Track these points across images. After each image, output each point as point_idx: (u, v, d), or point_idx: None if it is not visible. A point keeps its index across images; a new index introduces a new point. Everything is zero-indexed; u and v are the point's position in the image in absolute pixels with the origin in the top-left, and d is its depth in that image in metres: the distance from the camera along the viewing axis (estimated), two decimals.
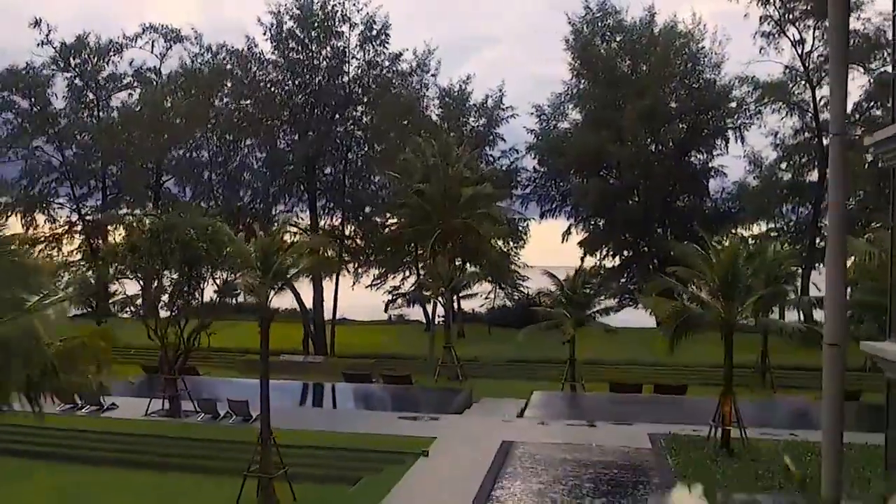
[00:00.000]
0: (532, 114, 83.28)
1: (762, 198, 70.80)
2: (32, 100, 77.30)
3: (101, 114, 79.40)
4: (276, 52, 55.61)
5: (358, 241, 58.69)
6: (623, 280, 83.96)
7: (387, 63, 55.91)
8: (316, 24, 54.93)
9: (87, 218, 79.97)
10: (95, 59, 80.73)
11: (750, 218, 76.23)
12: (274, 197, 56.57)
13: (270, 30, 55.25)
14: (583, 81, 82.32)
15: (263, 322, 26.72)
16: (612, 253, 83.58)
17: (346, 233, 58.01)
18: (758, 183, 72.01)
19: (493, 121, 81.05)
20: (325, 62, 55.54)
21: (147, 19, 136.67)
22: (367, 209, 57.84)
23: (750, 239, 68.24)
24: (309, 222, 56.78)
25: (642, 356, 56.98)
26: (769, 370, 49.60)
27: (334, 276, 57.11)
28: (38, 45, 77.42)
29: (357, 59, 55.77)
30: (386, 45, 55.54)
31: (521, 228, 79.26)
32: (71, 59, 79.22)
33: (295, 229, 57.03)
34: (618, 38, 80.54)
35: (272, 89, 55.05)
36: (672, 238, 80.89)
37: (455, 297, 70.09)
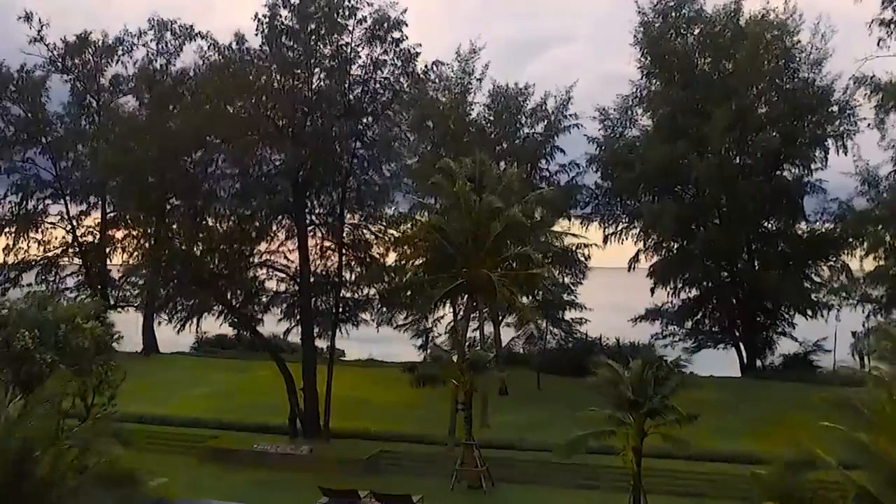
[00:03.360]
0: (595, 118, 67.07)
1: (878, 223, 53.88)
2: (22, 105, 64.27)
3: (100, 120, 65.56)
4: (265, 48, 40.29)
5: (361, 287, 42.92)
6: (699, 314, 67.56)
7: (398, 62, 40.03)
8: (318, 15, 39.65)
9: (84, 240, 66.77)
10: (101, 58, 67.43)
11: (854, 245, 59.48)
12: (258, 230, 41.04)
13: (262, 24, 39.98)
14: (654, 82, 66.09)
15: None
16: (686, 283, 66.83)
17: (346, 277, 42.38)
18: (873, 205, 54.92)
19: (551, 128, 64.93)
20: (326, 62, 40.22)
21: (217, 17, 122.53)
22: (374, 251, 42.16)
23: None
24: (298, 265, 41.50)
25: (732, 435, 41.26)
26: None
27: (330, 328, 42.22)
28: (30, 42, 64.32)
29: (361, 57, 40.25)
30: (399, 41, 39.80)
31: (581, 257, 63.16)
32: (69, 59, 66.01)
33: (283, 274, 42.16)
34: (696, 31, 64.06)
35: (254, 96, 39.80)
36: (759, 267, 64.80)
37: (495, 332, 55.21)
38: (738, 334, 65.56)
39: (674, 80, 63.36)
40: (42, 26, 63.54)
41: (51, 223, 66.68)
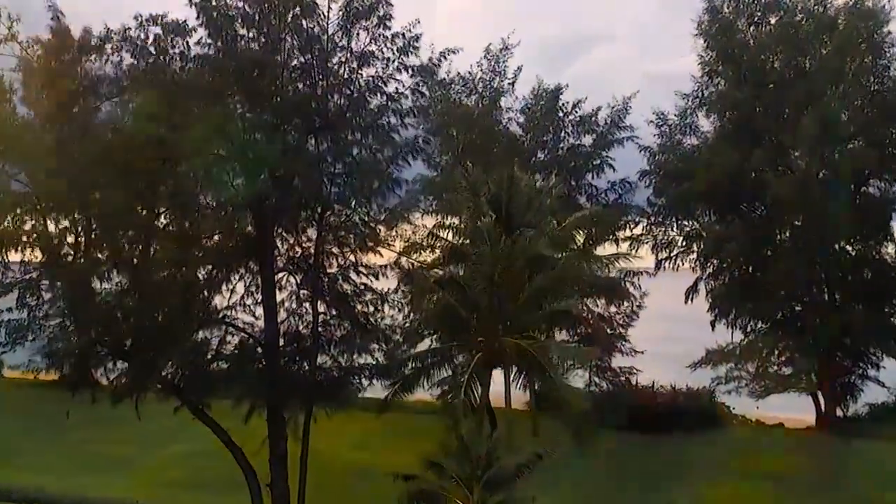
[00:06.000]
0: (651, 122, 55.00)
1: None
2: None
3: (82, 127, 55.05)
4: (211, 41, 28.97)
5: (348, 353, 31.32)
6: (767, 353, 54.97)
7: (393, 52, 28.38)
8: None
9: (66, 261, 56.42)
10: (88, 56, 57.12)
11: None
12: (209, 279, 29.48)
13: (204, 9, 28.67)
14: (717, 81, 53.67)
15: None
16: (753, 316, 54.34)
17: (334, 335, 30.88)
18: None
19: (600, 140, 53.08)
20: (295, 54, 28.84)
21: None
22: (360, 305, 30.45)
23: None
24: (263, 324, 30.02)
25: None
26: None
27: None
28: (1, 41, 54.11)
29: (342, 48, 28.75)
30: (388, 19, 28.08)
31: (634, 288, 51.49)
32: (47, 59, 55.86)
33: (244, 334, 30.77)
34: (773, 21, 51.47)
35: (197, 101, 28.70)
36: (840, 299, 52.45)
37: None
38: (814, 378, 53.11)
39: (744, 78, 51.05)
40: (12, 22, 53.42)
41: (27, 241, 56.60)
